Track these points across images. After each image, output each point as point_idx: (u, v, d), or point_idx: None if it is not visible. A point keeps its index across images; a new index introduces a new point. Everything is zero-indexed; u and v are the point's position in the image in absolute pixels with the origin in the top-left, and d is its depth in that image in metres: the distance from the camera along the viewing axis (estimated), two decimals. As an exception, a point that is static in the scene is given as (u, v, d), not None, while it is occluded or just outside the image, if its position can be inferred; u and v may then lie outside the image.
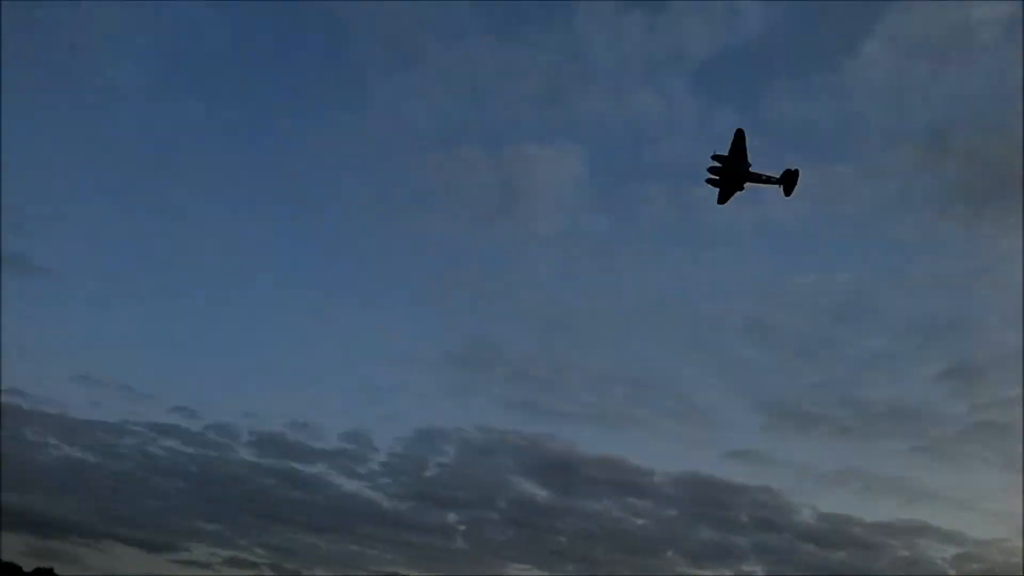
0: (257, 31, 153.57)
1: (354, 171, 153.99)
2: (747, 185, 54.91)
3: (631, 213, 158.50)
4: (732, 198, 55.35)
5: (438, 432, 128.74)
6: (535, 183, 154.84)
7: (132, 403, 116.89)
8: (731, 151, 53.73)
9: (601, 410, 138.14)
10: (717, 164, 54.39)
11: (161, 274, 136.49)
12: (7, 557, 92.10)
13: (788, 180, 54.76)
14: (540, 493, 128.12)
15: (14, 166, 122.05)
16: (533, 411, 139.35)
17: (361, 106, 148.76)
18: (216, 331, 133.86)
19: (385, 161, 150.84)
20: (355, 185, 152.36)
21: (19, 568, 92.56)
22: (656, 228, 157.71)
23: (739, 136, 53.27)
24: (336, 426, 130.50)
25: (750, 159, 53.60)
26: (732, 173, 54.35)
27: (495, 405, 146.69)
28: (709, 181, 55.08)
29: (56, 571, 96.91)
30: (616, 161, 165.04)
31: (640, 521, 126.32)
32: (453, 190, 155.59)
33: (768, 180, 54.63)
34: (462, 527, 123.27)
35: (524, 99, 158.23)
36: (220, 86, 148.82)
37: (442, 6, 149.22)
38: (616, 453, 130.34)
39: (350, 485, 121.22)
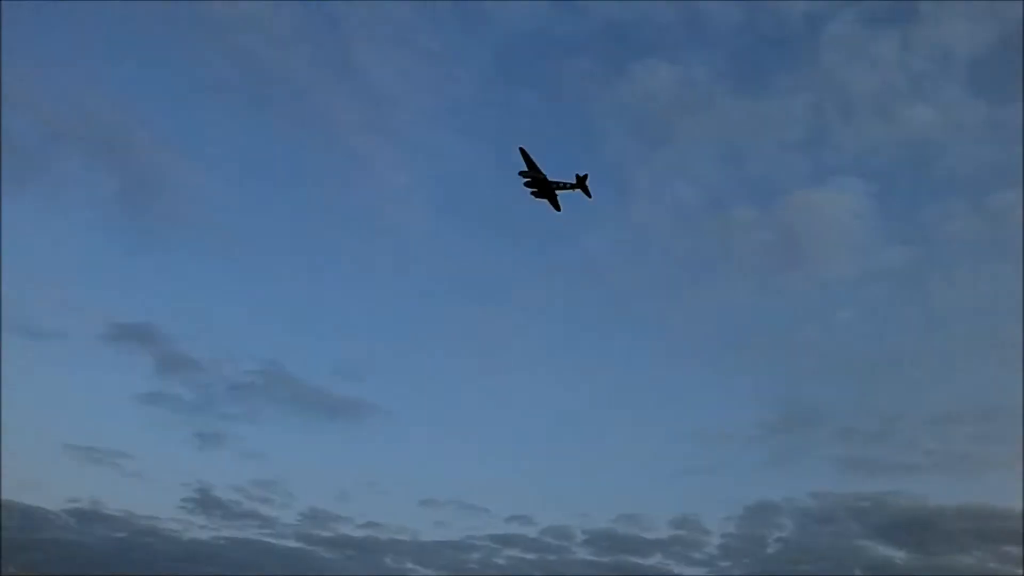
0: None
1: (626, 258, 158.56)
2: (557, 192, 61.89)
3: (932, 235, 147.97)
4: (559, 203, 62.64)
5: (769, 505, 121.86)
6: (818, 228, 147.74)
7: (471, 519, 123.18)
8: (526, 166, 61.03)
9: (947, 455, 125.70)
10: (525, 180, 61.64)
11: (476, 394, 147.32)
12: None
13: (583, 184, 61.73)
14: (898, 555, 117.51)
15: (339, 325, 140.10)
16: (869, 468, 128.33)
17: (624, 194, 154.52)
18: (536, 436, 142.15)
19: (656, 241, 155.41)
20: (634, 271, 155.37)
21: None
22: (964, 245, 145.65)
23: (523, 152, 60.71)
24: (664, 513, 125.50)
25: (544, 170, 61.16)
26: (537, 184, 61.49)
27: (826, 468, 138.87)
28: (532, 195, 62.38)
29: None
30: (902, 186, 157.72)
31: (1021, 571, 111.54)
32: (733, 255, 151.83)
33: (566, 186, 61.93)
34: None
35: (787, 147, 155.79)
36: (495, 210, 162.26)
37: (684, 80, 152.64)
38: (975, 499, 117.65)
39: (690, 572, 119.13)
